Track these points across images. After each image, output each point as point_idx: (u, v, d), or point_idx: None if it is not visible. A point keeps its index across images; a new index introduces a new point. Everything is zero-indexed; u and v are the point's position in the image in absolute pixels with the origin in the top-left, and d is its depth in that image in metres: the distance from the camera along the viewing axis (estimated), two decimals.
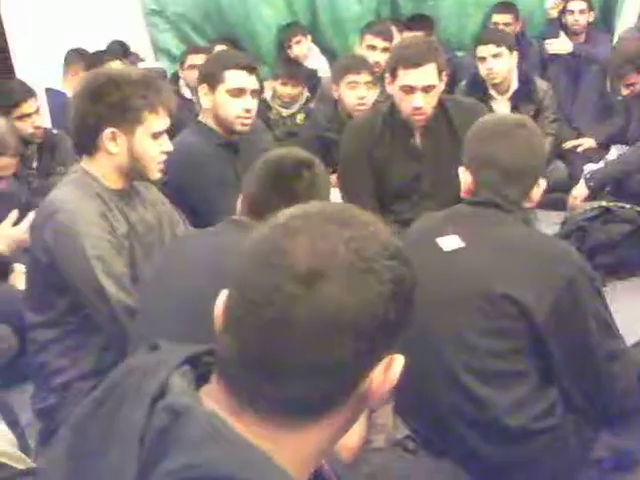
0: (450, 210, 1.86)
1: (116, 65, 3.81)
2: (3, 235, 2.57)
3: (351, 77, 3.39)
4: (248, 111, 2.65)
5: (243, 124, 2.66)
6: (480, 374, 1.65)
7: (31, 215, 2.49)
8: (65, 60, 4.52)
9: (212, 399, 0.80)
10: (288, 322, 0.76)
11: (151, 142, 2.02)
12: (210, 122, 2.70)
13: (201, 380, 0.83)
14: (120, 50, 4.99)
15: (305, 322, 0.76)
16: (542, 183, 1.81)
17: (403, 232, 2.56)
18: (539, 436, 1.66)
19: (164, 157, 2.07)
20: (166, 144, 2.07)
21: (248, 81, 2.64)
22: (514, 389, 1.65)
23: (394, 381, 0.83)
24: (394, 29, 4.65)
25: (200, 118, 2.75)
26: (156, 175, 2.09)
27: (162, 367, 0.81)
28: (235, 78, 2.62)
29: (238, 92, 2.62)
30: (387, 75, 2.77)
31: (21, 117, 3.35)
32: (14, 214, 2.58)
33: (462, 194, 1.85)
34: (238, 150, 2.72)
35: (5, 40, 3.80)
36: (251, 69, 2.66)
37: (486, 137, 1.83)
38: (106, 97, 1.97)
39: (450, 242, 1.73)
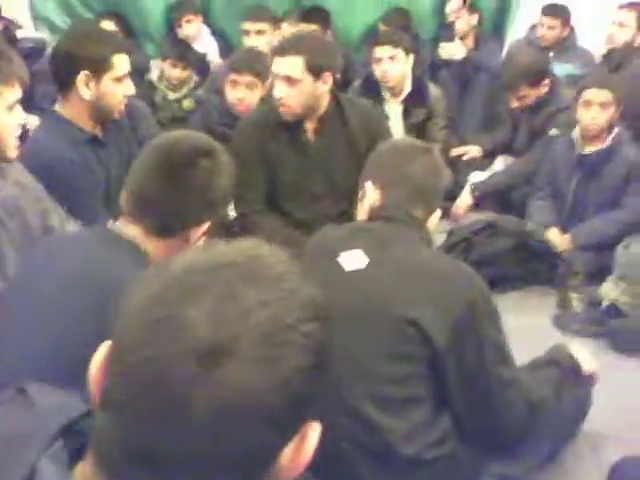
0: (354, 224, 1.82)
1: None
2: None
3: (232, 76, 3.27)
4: (127, 96, 2.47)
5: (121, 110, 2.48)
6: (378, 400, 1.60)
7: None
8: None
9: None
10: (183, 408, 0.62)
11: (6, 116, 1.92)
12: (73, 115, 2.41)
13: (76, 456, 0.68)
14: None
15: (204, 409, 0.62)
16: (438, 212, 1.85)
17: (299, 238, 2.55)
18: (432, 465, 1.62)
19: (19, 131, 1.98)
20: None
21: (128, 64, 2.45)
22: (411, 416, 1.61)
23: (310, 453, 0.71)
24: (294, 20, 4.60)
25: (58, 110, 2.43)
26: (13, 153, 1.98)
27: (28, 448, 0.66)
28: (123, 64, 2.41)
29: (124, 77, 2.42)
30: None
31: None
32: None
33: (365, 211, 1.80)
34: (106, 143, 2.51)
35: None
36: (130, 51, 2.54)
37: (400, 154, 1.84)
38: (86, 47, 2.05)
39: (353, 259, 1.67)
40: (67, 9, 5.33)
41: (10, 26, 4.64)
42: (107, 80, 2.37)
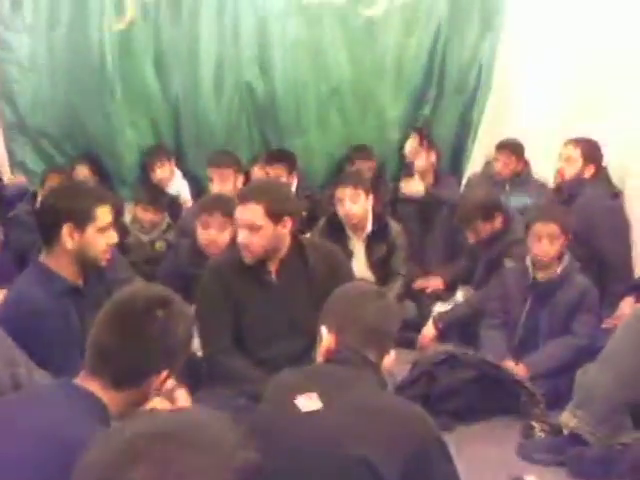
0: (310, 368, 1.90)
1: None
2: None
3: (204, 217, 3.44)
4: (112, 245, 2.59)
5: (106, 259, 2.58)
6: None
7: None
8: None
9: None
10: None
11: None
12: (55, 265, 2.51)
13: None
14: None
15: None
16: (392, 353, 1.91)
17: (264, 378, 2.60)
18: None
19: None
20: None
21: (111, 214, 2.59)
22: None
23: None
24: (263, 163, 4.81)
25: (42, 260, 2.53)
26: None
27: None
28: (106, 215, 2.54)
29: (107, 228, 2.55)
30: None
31: None
32: None
33: (321, 354, 1.89)
34: (85, 294, 2.58)
35: None
36: (114, 203, 2.69)
37: (352, 299, 1.92)
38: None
39: (309, 402, 1.73)
40: (41, 154, 5.54)
41: None
42: (91, 231, 2.49)
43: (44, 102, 5.45)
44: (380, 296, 1.95)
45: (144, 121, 5.47)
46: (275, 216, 2.75)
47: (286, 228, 2.81)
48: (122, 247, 3.84)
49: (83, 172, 5.04)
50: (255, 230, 2.74)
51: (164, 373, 1.62)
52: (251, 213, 2.74)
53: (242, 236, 2.76)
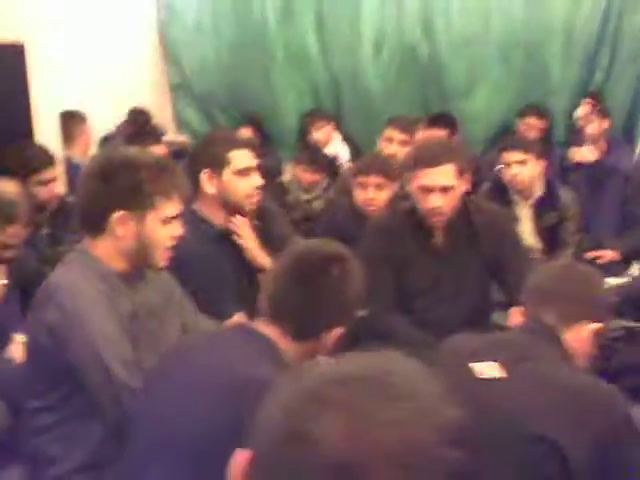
0: (490, 334, 1.84)
1: (159, 148, 3.78)
2: None
3: (360, 178, 3.38)
4: (258, 188, 2.64)
5: (252, 203, 2.65)
6: None
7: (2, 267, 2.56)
8: (66, 122, 4.41)
9: None
10: None
11: (161, 228, 1.96)
12: (205, 212, 2.63)
13: None
14: (142, 120, 5.00)
15: None
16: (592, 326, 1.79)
17: (428, 340, 2.55)
18: None
19: (172, 242, 2.00)
20: (176, 229, 2.00)
21: (252, 160, 2.64)
22: None
23: None
24: (420, 124, 4.68)
25: (195, 208, 2.64)
26: (161, 263, 2.01)
27: None
28: (241, 158, 2.60)
29: (246, 171, 2.60)
30: (406, 174, 2.76)
31: (39, 183, 3.28)
32: None
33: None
34: (233, 239, 2.66)
35: (29, 104, 3.77)
36: (251, 147, 2.68)
37: (547, 271, 1.88)
38: (119, 179, 1.91)
39: (487, 369, 1.63)
40: (206, 116, 5.70)
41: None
42: (227, 175, 2.56)
43: (209, 65, 5.60)
44: (572, 266, 1.90)
45: (304, 85, 5.49)
46: (462, 175, 2.66)
47: (464, 184, 2.70)
48: (282, 205, 3.87)
49: (247, 134, 5.12)
50: (448, 192, 2.64)
51: (338, 328, 1.63)
52: (446, 175, 2.62)
53: (435, 201, 2.64)
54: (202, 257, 2.48)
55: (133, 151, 2.08)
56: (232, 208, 2.62)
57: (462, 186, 2.69)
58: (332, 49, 5.41)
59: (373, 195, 3.36)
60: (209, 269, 2.49)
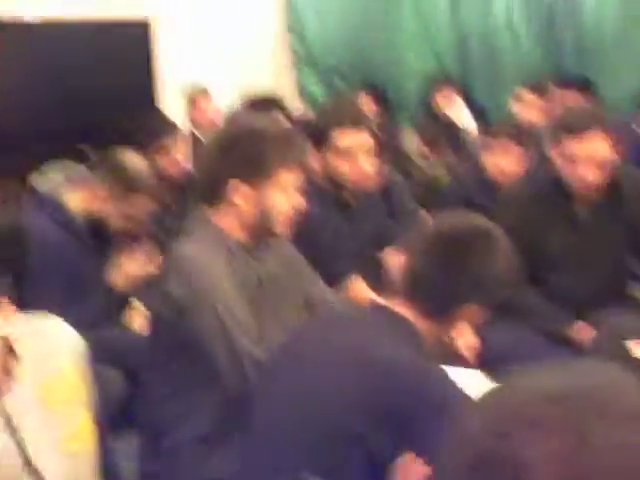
0: None
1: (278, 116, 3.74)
2: (119, 269, 2.59)
3: (487, 141, 3.28)
4: (363, 173, 2.52)
5: (358, 188, 2.56)
6: None
7: (150, 249, 2.63)
8: (191, 97, 4.40)
9: None
10: None
11: (281, 197, 1.94)
12: (320, 180, 2.56)
13: None
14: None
15: None
16: None
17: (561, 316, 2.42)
18: None
19: (293, 212, 1.98)
20: (297, 199, 1.98)
21: (356, 139, 2.51)
22: None
23: None
24: (554, 87, 4.45)
25: (313, 177, 2.58)
26: (282, 232, 2.00)
27: None
28: (342, 137, 2.49)
29: (347, 152, 2.49)
30: (549, 141, 2.62)
31: (160, 150, 3.22)
32: (129, 248, 2.62)
33: None
34: (354, 210, 2.61)
35: (154, 80, 3.85)
36: (358, 124, 2.52)
37: None
38: (240, 149, 1.91)
39: None
40: (328, 85, 5.65)
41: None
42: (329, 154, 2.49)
43: (333, 32, 5.53)
44: None
45: (429, 49, 5.33)
46: (610, 143, 2.50)
47: (614, 154, 2.53)
48: (405, 175, 3.76)
49: (365, 101, 5.02)
50: (603, 163, 2.50)
51: (478, 307, 1.55)
52: (597, 145, 2.48)
53: (590, 173, 2.49)
54: (321, 225, 2.49)
55: (260, 121, 2.09)
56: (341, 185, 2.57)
57: (613, 156, 2.52)
58: (462, 13, 5.20)
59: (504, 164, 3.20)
60: (324, 240, 2.50)
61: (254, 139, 1.92)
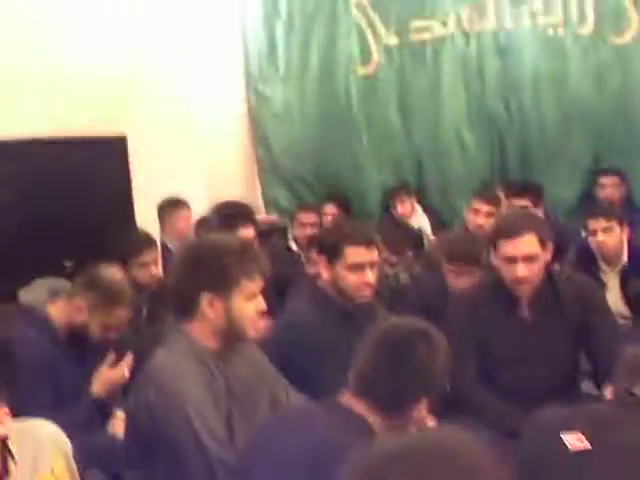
0: (578, 407, 1.81)
1: (248, 231, 3.95)
2: (100, 377, 2.70)
3: (449, 267, 3.38)
4: (368, 284, 2.68)
5: (363, 296, 2.70)
6: None
7: (129, 358, 2.73)
8: (162, 210, 4.55)
9: None
10: None
11: (246, 304, 2.10)
12: (328, 289, 2.72)
13: None
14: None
15: None
16: None
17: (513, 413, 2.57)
18: None
19: (258, 316, 2.15)
20: (260, 304, 2.13)
21: (367, 256, 2.66)
22: None
23: None
24: (503, 195, 4.73)
25: (319, 284, 2.77)
26: (251, 334, 2.15)
27: None
28: (355, 254, 2.64)
29: (357, 267, 2.65)
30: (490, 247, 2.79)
31: (140, 265, 3.48)
32: (110, 357, 2.72)
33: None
34: (355, 321, 2.69)
35: (131, 192, 4.04)
36: (370, 243, 2.69)
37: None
38: (206, 265, 2.07)
39: (576, 442, 1.65)
40: (293, 193, 5.91)
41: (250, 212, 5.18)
42: (340, 268, 2.65)
43: (296, 146, 5.83)
44: None
45: (388, 161, 5.64)
46: (544, 243, 2.70)
47: (548, 253, 2.73)
48: None
49: (331, 210, 5.28)
50: (533, 260, 2.67)
51: (424, 402, 1.68)
52: (529, 244, 2.66)
53: (523, 270, 2.66)
54: (324, 331, 2.62)
55: (217, 237, 2.28)
56: (344, 295, 2.70)
57: (546, 255, 2.72)
58: (415, 125, 5.54)
59: (464, 283, 3.29)
60: (329, 343, 2.60)
61: (219, 254, 2.08)
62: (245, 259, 2.09)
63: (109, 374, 2.71)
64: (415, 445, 0.77)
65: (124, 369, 2.72)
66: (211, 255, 2.10)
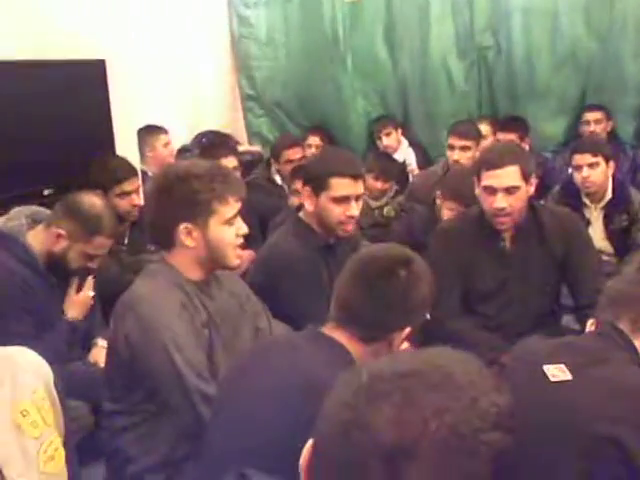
0: (563, 339, 1.80)
1: (230, 160, 3.90)
2: (72, 302, 2.79)
3: (449, 204, 3.37)
4: (351, 217, 2.66)
5: (345, 230, 2.68)
6: None
7: (90, 280, 2.81)
8: (141, 136, 4.51)
9: None
10: None
11: (225, 229, 2.06)
12: (311, 222, 2.71)
13: None
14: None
15: None
16: None
17: (496, 342, 2.58)
18: None
19: (240, 240, 2.10)
20: (240, 228, 2.09)
21: (353, 188, 2.63)
22: None
23: None
24: (489, 128, 4.68)
25: (301, 216, 2.76)
26: (234, 261, 2.11)
27: None
28: (340, 186, 2.61)
29: (342, 199, 2.62)
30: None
31: (121, 195, 3.43)
32: (73, 281, 2.82)
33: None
34: (335, 253, 2.73)
35: (110, 119, 3.94)
36: (356, 176, 2.65)
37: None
38: (176, 194, 2.02)
39: (558, 372, 1.65)
40: (276, 125, 5.83)
41: (232, 142, 5.14)
42: (324, 199, 2.63)
43: (279, 75, 5.71)
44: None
45: (373, 92, 5.55)
46: (527, 176, 2.68)
47: (530, 186, 2.72)
48: None
49: (314, 142, 5.22)
50: (514, 193, 2.66)
51: (406, 330, 1.66)
52: (510, 176, 2.65)
53: (501, 201, 2.66)
54: (306, 261, 2.63)
55: (186, 164, 2.21)
56: (327, 228, 2.70)
57: (528, 188, 2.71)
58: (401, 55, 5.42)
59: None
60: (311, 273, 2.61)
61: (187, 181, 2.01)
62: (216, 182, 2.03)
63: (77, 298, 2.79)
64: (407, 364, 0.77)
65: (88, 291, 2.82)
66: (180, 183, 2.03)
